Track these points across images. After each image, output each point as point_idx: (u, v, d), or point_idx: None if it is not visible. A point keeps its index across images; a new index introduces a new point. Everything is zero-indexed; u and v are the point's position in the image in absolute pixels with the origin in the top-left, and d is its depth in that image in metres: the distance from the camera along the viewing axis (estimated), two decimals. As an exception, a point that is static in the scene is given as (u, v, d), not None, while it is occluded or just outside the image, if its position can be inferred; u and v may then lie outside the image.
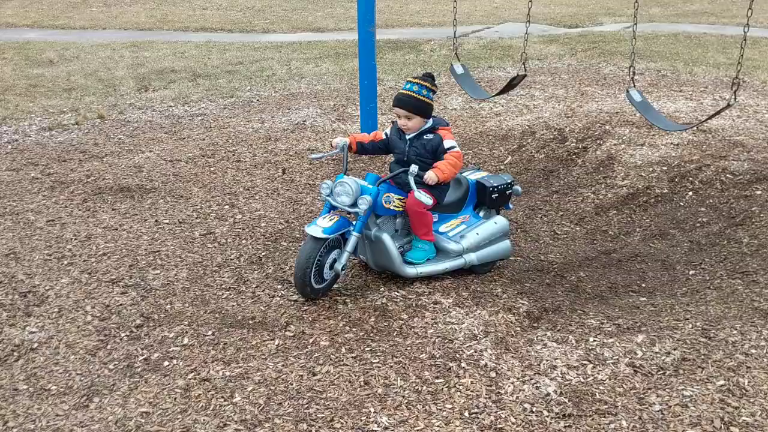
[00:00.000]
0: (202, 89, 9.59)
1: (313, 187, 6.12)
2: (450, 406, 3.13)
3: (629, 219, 5.59)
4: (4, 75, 10.40)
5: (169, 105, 8.88)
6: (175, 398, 3.25)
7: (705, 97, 8.35)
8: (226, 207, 5.68)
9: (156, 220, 5.35)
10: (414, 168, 3.90)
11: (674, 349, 3.52)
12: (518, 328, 3.77)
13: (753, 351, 3.50)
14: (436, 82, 4.19)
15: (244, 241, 5.02)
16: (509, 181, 4.58)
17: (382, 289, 4.21)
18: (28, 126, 7.94)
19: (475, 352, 3.53)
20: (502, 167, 6.64)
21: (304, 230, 3.90)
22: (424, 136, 4.14)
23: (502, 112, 8.16)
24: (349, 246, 3.94)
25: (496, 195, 4.50)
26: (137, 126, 8.00)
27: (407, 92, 4.07)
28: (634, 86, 6.76)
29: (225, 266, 4.60)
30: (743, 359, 3.44)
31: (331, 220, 3.88)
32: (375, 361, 3.48)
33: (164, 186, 6.09)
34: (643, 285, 4.57)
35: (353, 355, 3.54)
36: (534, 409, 3.09)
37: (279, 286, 4.29)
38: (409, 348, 3.58)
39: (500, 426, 2.99)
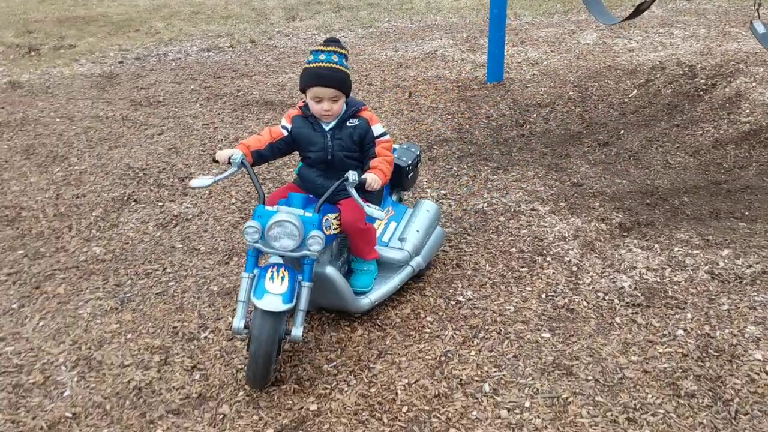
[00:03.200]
0: (344, 19, 10.15)
1: (436, 110, 6.52)
2: (530, 289, 3.52)
3: (747, 154, 5.57)
4: (171, 2, 11.47)
5: (312, 33, 9.52)
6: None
7: None
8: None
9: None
10: (353, 175, 2.90)
11: (757, 263, 3.68)
12: (608, 236, 4.06)
13: (840, 273, 3.59)
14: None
15: (367, 151, 5.55)
16: (418, 152, 3.84)
17: (485, 195, 4.60)
18: (189, 47, 8.87)
19: (562, 250, 3.87)
20: (626, 100, 6.72)
21: (255, 304, 2.72)
22: (347, 123, 3.12)
23: (635, 48, 8.10)
24: (303, 303, 2.87)
25: (412, 173, 3.79)
26: (283, 51, 8.71)
27: (330, 65, 2.99)
28: (759, 17, 6.52)
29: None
30: (827, 279, 3.55)
31: (281, 279, 2.78)
32: (468, 250, 3.92)
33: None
34: (747, 213, 4.64)
35: (451, 244, 3.99)
36: (606, 298, 3.42)
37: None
38: (501, 243, 3.99)
39: (572, 307, 3.36)
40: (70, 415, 2.81)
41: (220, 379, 2.98)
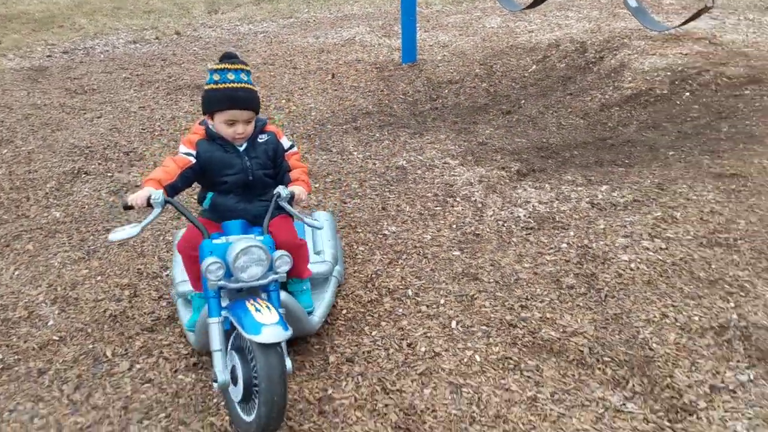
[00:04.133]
0: (264, 11, 10.63)
1: (358, 89, 7.13)
2: (443, 222, 4.18)
3: (629, 114, 6.42)
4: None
5: (235, 24, 9.98)
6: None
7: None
8: (283, 101, 6.77)
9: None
10: (284, 190, 2.81)
11: (629, 194, 4.46)
12: (507, 180, 4.77)
13: (694, 197, 4.40)
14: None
15: (297, 125, 6.11)
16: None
17: (404, 155, 5.25)
18: (116, 40, 9.19)
19: (469, 192, 4.56)
20: (526, 74, 7.50)
21: (255, 341, 2.41)
22: (258, 140, 2.97)
23: (534, 29, 8.94)
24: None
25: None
26: (208, 41, 9.14)
27: (243, 85, 2.81)
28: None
29: (281, 139, 5.72)
30: (684, 201, 4.35)
31: (267, 308, 2.53)
32: (392, 197, 4.56)
33: (232, 85, 7.25)
34: (626, 161, 5.45)
35: (376, 193, 4.62)
36: (505, 225, 4.12)
37: (324, 155, 5.38)
38: (419, 189, 4.64)
39: (478, 233, 4.04)
40: (57, 338, 3.27)
41: (184, 303, 3.51)
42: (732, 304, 3.27)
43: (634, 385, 2.81)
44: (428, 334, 3.18)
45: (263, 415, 2.40)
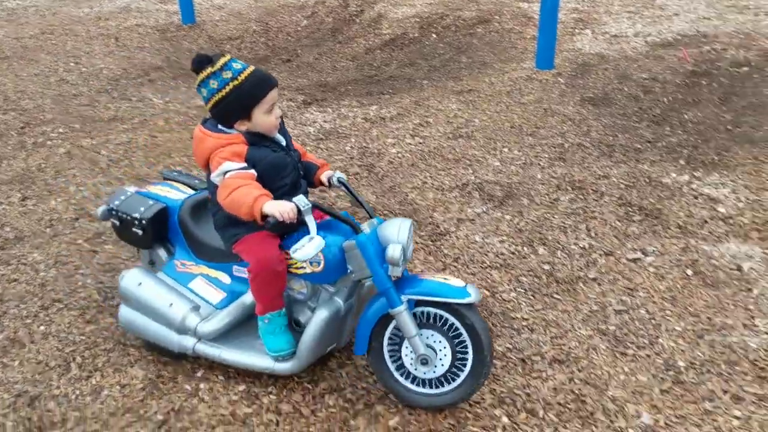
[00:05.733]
0: (28, -16, 10.42)
1: (144, 49, 7.55)
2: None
3: (389, 55, 7.57)
4: None
5: (2, 0, 9.73)
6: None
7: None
8: (72, 64, 7.04)
9: (15, 75, 6.65)
10: (340, 174, 2.71)
11: (394, 110, 5.54)
12: (296, 108, 5.65)
13: (442, 108, 5.59)
14: None
15: (91, 82, 6.48)
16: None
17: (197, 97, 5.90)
18: None
19: (265, 119, 5.37)
20: (299, 29, 8.38)
21: (466, 302, 2.39)
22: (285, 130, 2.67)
23: (300, -9, 9.83)
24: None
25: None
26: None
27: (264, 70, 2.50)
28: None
29: (80, 95, 6.08)
30: (435, 111, 5.52)
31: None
32: (198, 129, 5.23)
33: (16, 54, 7.31)
34: (391, 91, 6.57)
35: (182, 128, 5.26)
36: (299, 139, 5.00)
37: (126, 103, 5.87)
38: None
39: (277, 147, 4.88)
40: None
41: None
42: (471, 171, 4.45)
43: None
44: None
45: (482, 368, 2.46)
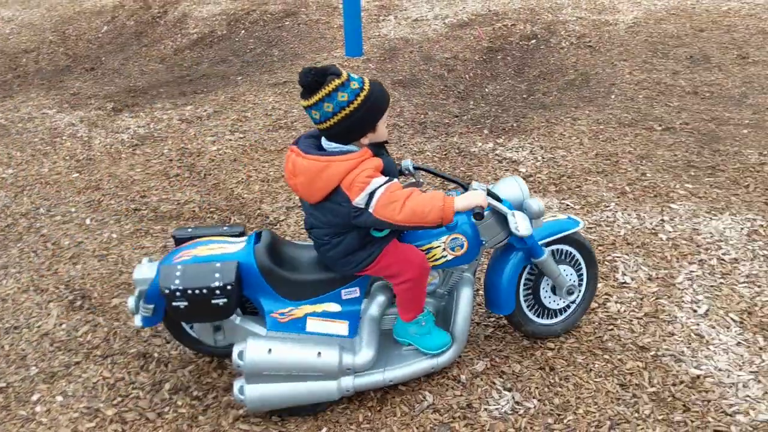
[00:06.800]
0: None
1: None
2: (56, 156, 4.72)
3: (199, 54, 7.45)
4: None
5: None
6: None
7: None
8: None
9: None
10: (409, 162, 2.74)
11: (210, 108, 5.50)
12: (105, 116, 5.44)
13: (259, 102, 5.61)
14: None
15: None
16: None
17: (0, 115, 5.50)
18: None
19: (74, 131, 5.12)
20: (100, 35, 7.99)
21: (577, 231, 2.76)
22: None
23: (97, -5, 9.36)
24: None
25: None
26: None
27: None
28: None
29: None
30: (252, 106, 5.53)
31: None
32: (0, 148, 4.88)
33: None
34: (205, 89, 6.48)
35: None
36: (113, 147, 4.83)
37: None
38: (25, 138, 5.03)
39: (90, 158, 4.68)
40: None
41: None
42: (293, 160, 4.53)
43: (235, 221, 3.88)
44: (68, 233, 3.81)
45: (595, 281, 2.84)
